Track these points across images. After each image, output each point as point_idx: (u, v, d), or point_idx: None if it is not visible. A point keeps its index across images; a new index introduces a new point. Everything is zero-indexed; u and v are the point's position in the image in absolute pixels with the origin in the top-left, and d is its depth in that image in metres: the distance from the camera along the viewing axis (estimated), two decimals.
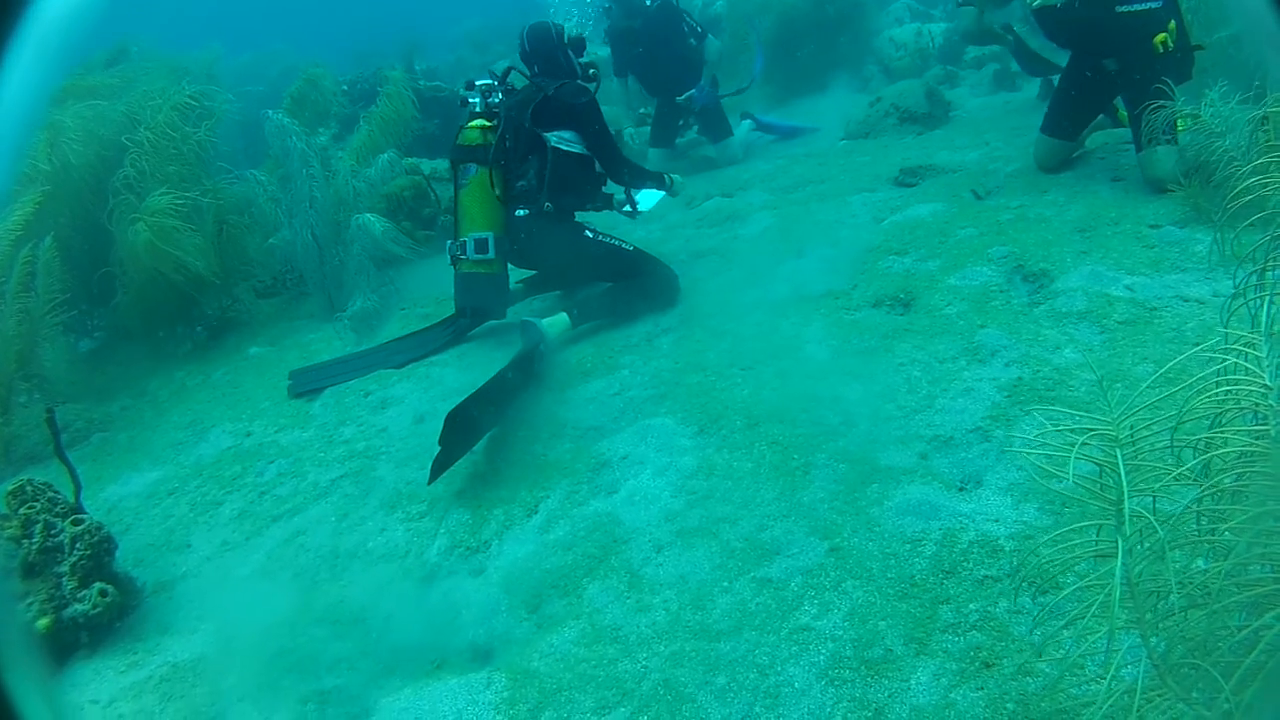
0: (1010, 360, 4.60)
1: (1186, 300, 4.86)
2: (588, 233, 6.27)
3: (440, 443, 4.53)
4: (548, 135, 6.15)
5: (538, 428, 5.04)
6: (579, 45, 6.58)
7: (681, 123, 10.12)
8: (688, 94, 9.67)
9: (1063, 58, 6.99)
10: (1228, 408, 2.11)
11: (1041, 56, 9.17)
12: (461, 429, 4.64)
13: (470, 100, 6.38)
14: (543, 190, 6.10)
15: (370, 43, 19.14)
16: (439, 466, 4.52)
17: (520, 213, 6.16)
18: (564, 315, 5.98)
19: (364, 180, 8.01)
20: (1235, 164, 5.43)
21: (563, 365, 5.72)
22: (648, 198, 6.85)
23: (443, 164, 9.20)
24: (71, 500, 4.60)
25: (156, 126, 7.48)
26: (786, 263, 6.41)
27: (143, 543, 5.02)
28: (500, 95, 6.39)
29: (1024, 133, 8.09)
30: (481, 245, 6.12)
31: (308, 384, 6.38)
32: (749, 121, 10.48)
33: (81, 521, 4.39)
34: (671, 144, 10.12)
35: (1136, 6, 6.23)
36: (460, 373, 6.04)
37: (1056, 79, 7.25)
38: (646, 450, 4.56)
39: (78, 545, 4.33)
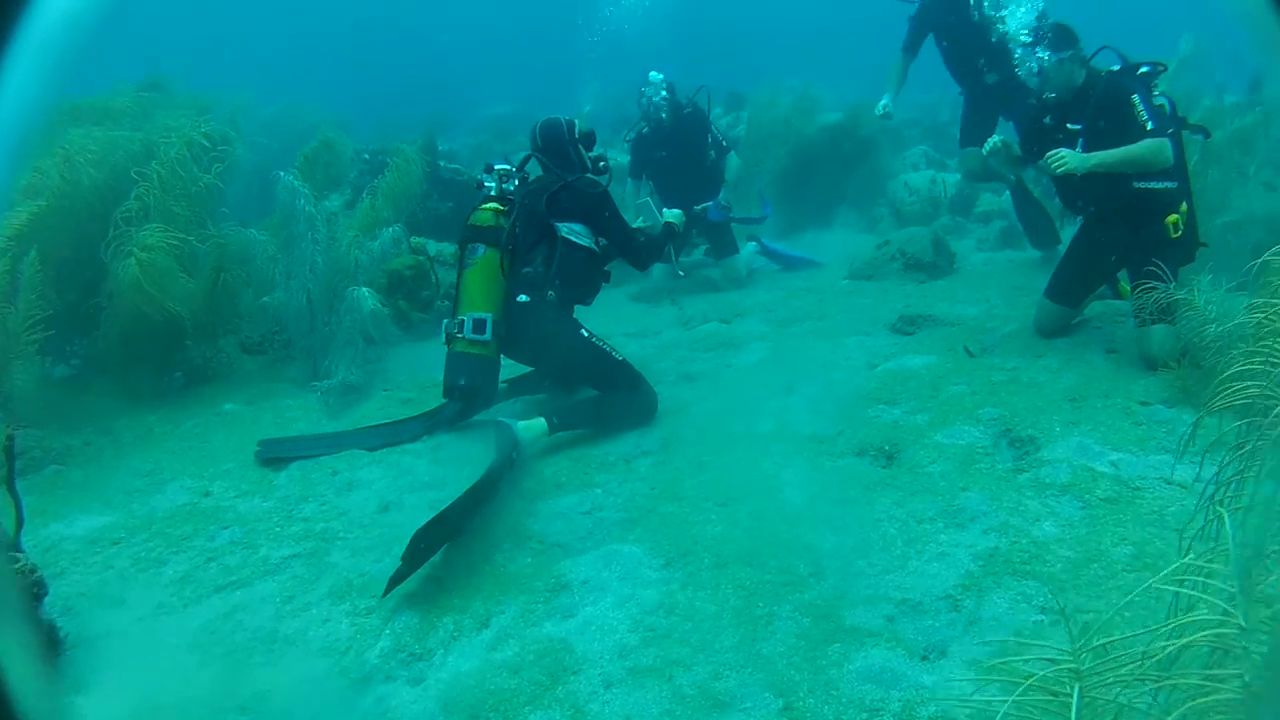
0: (989, 527, 4.52)
1: (1170, 483, 4.79)
2: (584, 331, 6.29)
3: (402, 559, 4.42)
4: (559, 225, 6.25)
5: (501, 537, 4.92)
6: (589, 140, 6.71)
7: (692, 233, 10.14)
8: (704, 205, 9.71)
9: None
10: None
11: (1039, 227, 9.36)
12: (425, 549, 4.52)
13: (486, 184, 6.46)
14: (549, 279, 6.19)
15: (402, 114, 19.36)
16: (395, 580, 4.40)
17: (522, 298, 6.18)
18: (541, 420, 5.91)
19: (366, 253, 8.01)
20: (1224, 351, 5.50)
21: (536, 474, 5.62)
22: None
23: (449, 247, 9.21)
24: (10, 535, 4.44)
25: (167, 162, 7.40)
26: (775, 398, 6.34)
27: (76, 590, 4.82)
28: (516, 182, 6.49)
29: (1025, 293, 8.15)
30: (480, 326, 6.05)
31: (276, 453, 6.26)
32: (754, 244, 10.52)
33: (16, 560, 4.23)
34: (675, 258, 10.16)
35: (1154, 184, 6.35)
36: (433, 465, 5.94)
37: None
38: (610, 577, 4.45)
39: None
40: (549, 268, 6.22)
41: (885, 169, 13.62)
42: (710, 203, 9.74)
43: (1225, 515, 2.24)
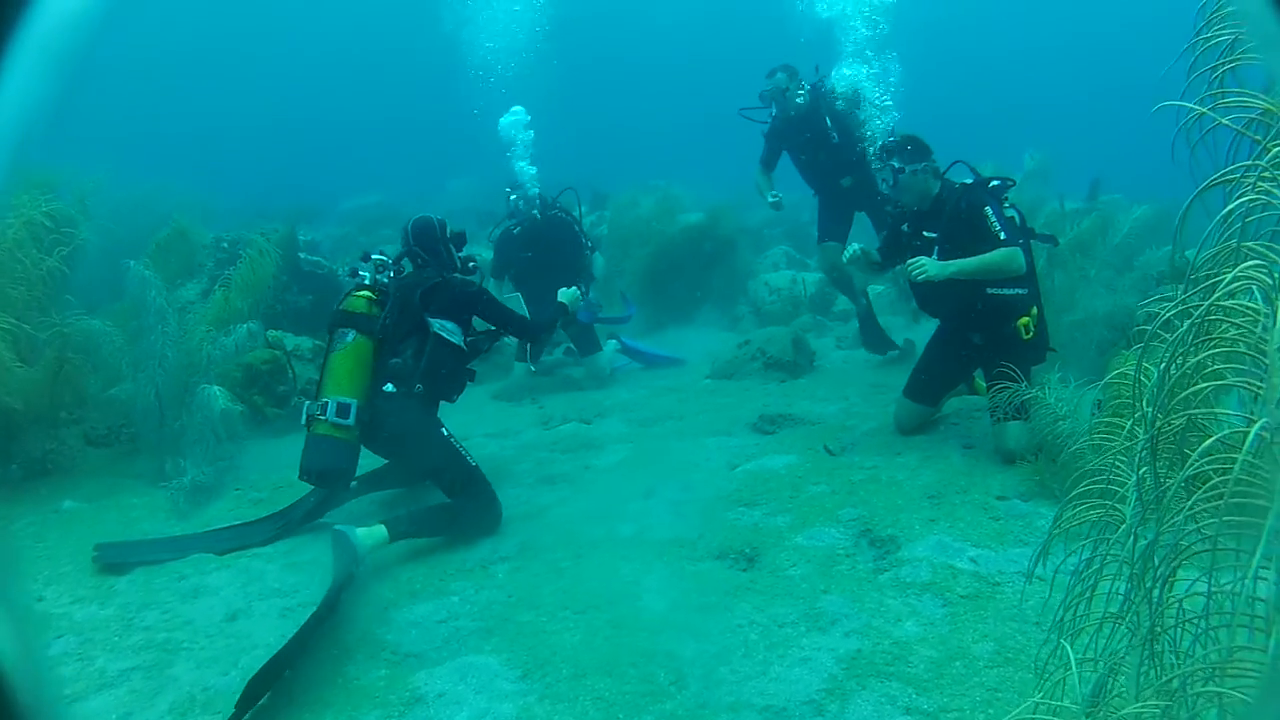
0: (851, 630, 4.48)
1: (1028, 576, 4.82)
2: (444, 430, 6.25)
3: (235, 706, 4.09)
4: (432, 321, 6.28)
5: (354, 646, 4.71)
6: (460, 240, 6.80)
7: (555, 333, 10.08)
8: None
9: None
10: None
11: (879, 337, 9.67)
12: (260, 693, 4.20)
13: (361, 272, 6.45)
14: (417, 372, 6.17)
15: (269, 201, 19.00)
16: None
17: (389, 388, 6.13)
18: (382, 528, 5.67)
19: (220, 348, 7.72)
20: (1076, 445, 5.63)
21: (391, 579, 5.43)
22: None
23: (307, 341, 9.15)
24: None
25: (3, 243, 7.06)
26: (636, 501, 6.27)
27: None
28: (391, 274, 6.49)
29: (883, 390, 8.29)
30: (344, 410, 5.94)
31: (118, 557, 5.92)
32: (615, 343, 10.50)
33: None
34: (537, 360, 10.09)
35: (1006, 290, 6.61)
36: (284, 571, 5.69)
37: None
38: (466, 690, 4.28)
39: None
40: (418, 361, 6.21)
41: (746, 268, 13.81)
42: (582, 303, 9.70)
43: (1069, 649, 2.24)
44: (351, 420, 5.95)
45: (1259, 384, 2.01)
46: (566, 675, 4.30)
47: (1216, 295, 2.03)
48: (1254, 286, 2.03)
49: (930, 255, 6.58)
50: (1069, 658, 2.26)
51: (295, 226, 12.80)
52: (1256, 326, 2.04)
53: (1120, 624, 2.41)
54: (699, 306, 12.86)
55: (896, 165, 6.76)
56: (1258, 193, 2.11)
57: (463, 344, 6.46)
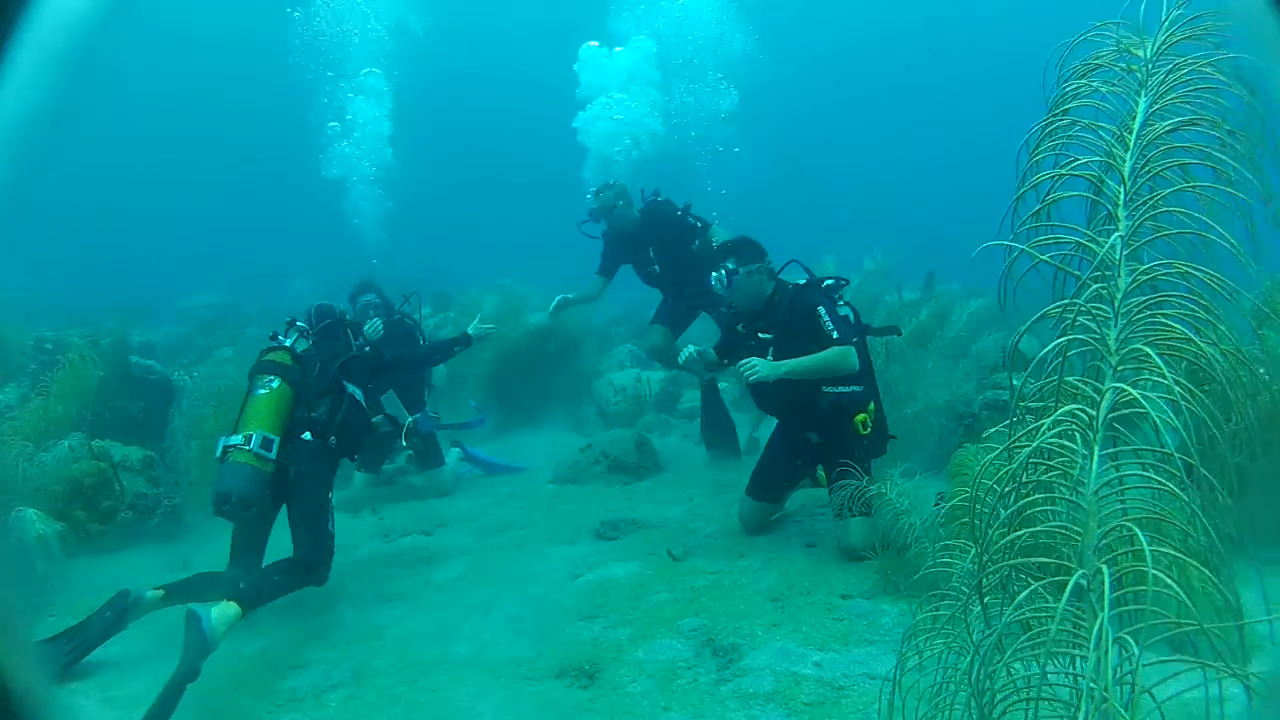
0: None
1: (873, 678, 4.82)
2: (330, 490, 6.64)
3: None
4: (348, 385, 6.90)
5: None
6: (357, 328, 7.57)
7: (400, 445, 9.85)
8: (413, 418, 9.42)
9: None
10: None
11: (719, 431, 9.76)
12: None
13: (280, 336, 6.88)
14: (332, 427, 6.65)
15: (98, 297, 18.25)
16: None
17: (306, 436, 6.53)
18: (233, 605, 5.55)
19: (38, 465, 7.43)
20: (919, 539, 5.68)
21: (217, 715, 5.10)
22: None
23: (135, 453, 8.68)
24: None
25: None
26: (473, 618, 6.06)
27: None
28: (309, 343, 6.98)
29: (727, 490, 8.28)
30: (268, 444, 6.24)
31: None
32: (458, 450, 10.29)
33: None
34: (378, 469, 9.83)
35: (842, 389, 6.71)
36: (101, 708, 5.28)
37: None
38: None
39: None
40: (332, 417, 6.68)
41: (592, 368, 13.74)
42: (419, 414, 9.48)
43: None
44: (273, 455, 6.24)
45: (1078, 530, 1.98)
46: None
47: (1040, 439, 2.00)
48: (1074, 429, 2.02)
49: (765, 355, 6.66)
50: None
51: (127, 327, 12.31)
52: (1074, 468, 2.02)
53: None
54: (545, 408, 12.73)
55: (731, 266, 6.82)
56: (1076, 330, 2.10)
57: (365, 407, 7.04)
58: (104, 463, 8.32)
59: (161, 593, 6.02)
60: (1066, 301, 2.09)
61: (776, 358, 6.64)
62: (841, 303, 6.92)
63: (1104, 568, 1.78)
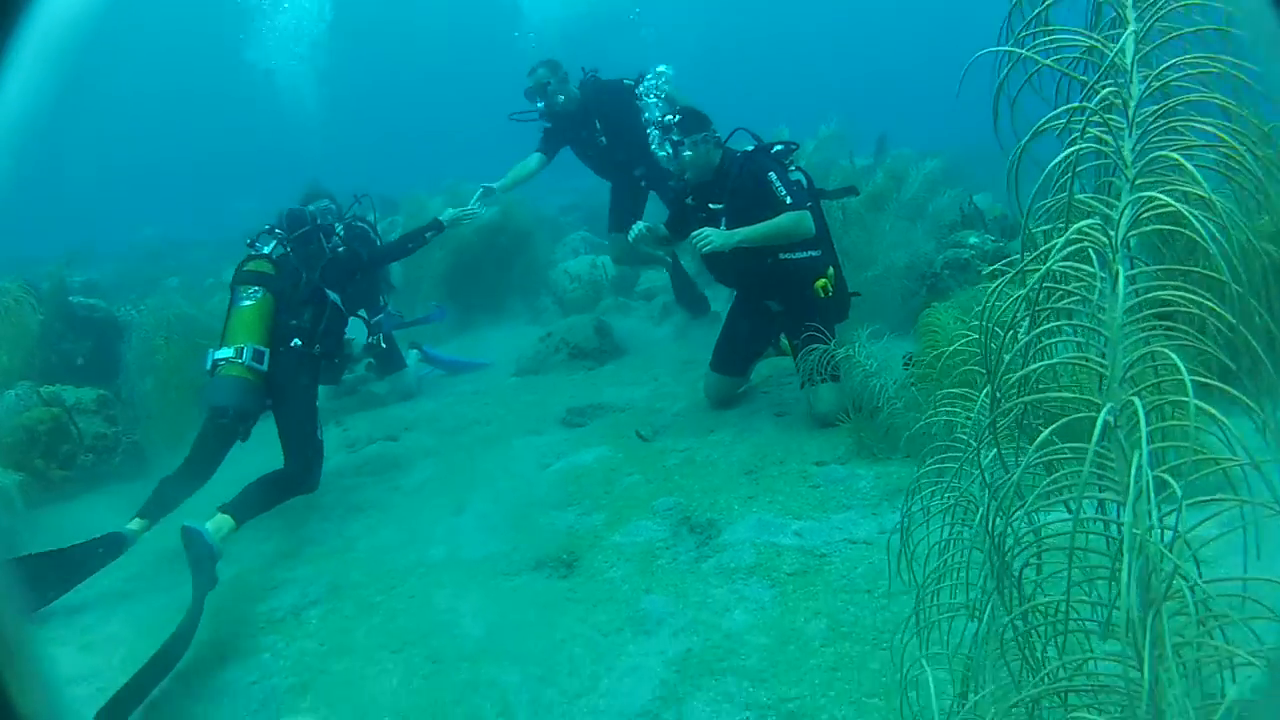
0: (678, 628, 4.32)
1: (854, 542, 4.82)
2: (315, 394, 6.85)
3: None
4: (330, 293, 6.99)
5: None
6: (329, 231, 7.41)
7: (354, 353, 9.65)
8: (375, 319, 9.23)
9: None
10: None
11: (692, 295, 9.64)
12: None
13: (257, 244, 6.95)
14: (316, 334, 6.79)
15: (28, 244, 17.79)
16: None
17: (296, 343, 6.65)
18: (225, 517, 5.73)
19: None
20: (890, 400, 5.61)
21: (194, 646, 4.90)
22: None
23: (89, 393, 8.53)
24: None
25: None
26: (445, 520, 5.98)
27: None
28: (287, 249, 7.01)
29: (692, 367, 8.18)
30: (259, 356, 6.44)
31: None
32: (416, 353, 10.10)
33: None
34: (339, 379, 9.66)
35: (798, 254, 6.59)
36: (80, 654, 5.10)
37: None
38: None
39: None
40: (316, 325, 6.80)
41: (545, 258, 13.55)
42: (380, 315, 9.28)
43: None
44: (265, 366, 6.45)
45: (1100, 360, 1.82)
46: None
47: (1052, 260, 1.82)
48: (1090, 248, 1.84)
49: (718, 225, 6.47)
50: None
51: (66, 267, 11.95)
52: (1093, 293, 1.85)
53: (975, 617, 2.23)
54: (502, 303, 12.56)
55: (675, 138, 6.62)
56: (1086, 139, 1.91)
57: (345, 311, 7.19)
58: (57, 408, 8.11)
59: (143, 521, 6.07)
60: (1075, 105, 1.89)
61: (729, 227, 6.47)
62: (793, 168, 6.78)
63: (1136, 399, 1.64)
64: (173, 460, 7.13)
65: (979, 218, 9.38)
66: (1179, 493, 1.61)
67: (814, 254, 6.62)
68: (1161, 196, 1.71)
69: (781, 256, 6.56)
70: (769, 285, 6.77)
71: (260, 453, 6.45)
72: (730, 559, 4.84)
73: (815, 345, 6.14)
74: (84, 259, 16.16)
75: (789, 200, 6.36)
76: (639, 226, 6.98)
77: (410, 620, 4.84)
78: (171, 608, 5.00)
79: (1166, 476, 1.61)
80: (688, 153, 6.64)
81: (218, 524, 5.65)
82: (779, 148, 6.83)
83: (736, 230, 6.38)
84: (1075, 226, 1.78)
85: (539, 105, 9.34)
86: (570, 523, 5.62)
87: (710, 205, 6.70)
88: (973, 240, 8.51)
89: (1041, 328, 1.84)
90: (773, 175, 6.44)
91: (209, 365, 6.45)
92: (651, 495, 5.78)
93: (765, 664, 3.92)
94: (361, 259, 7.50)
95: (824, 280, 6.62)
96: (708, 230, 6.37)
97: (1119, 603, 1.58)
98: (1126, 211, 1.77)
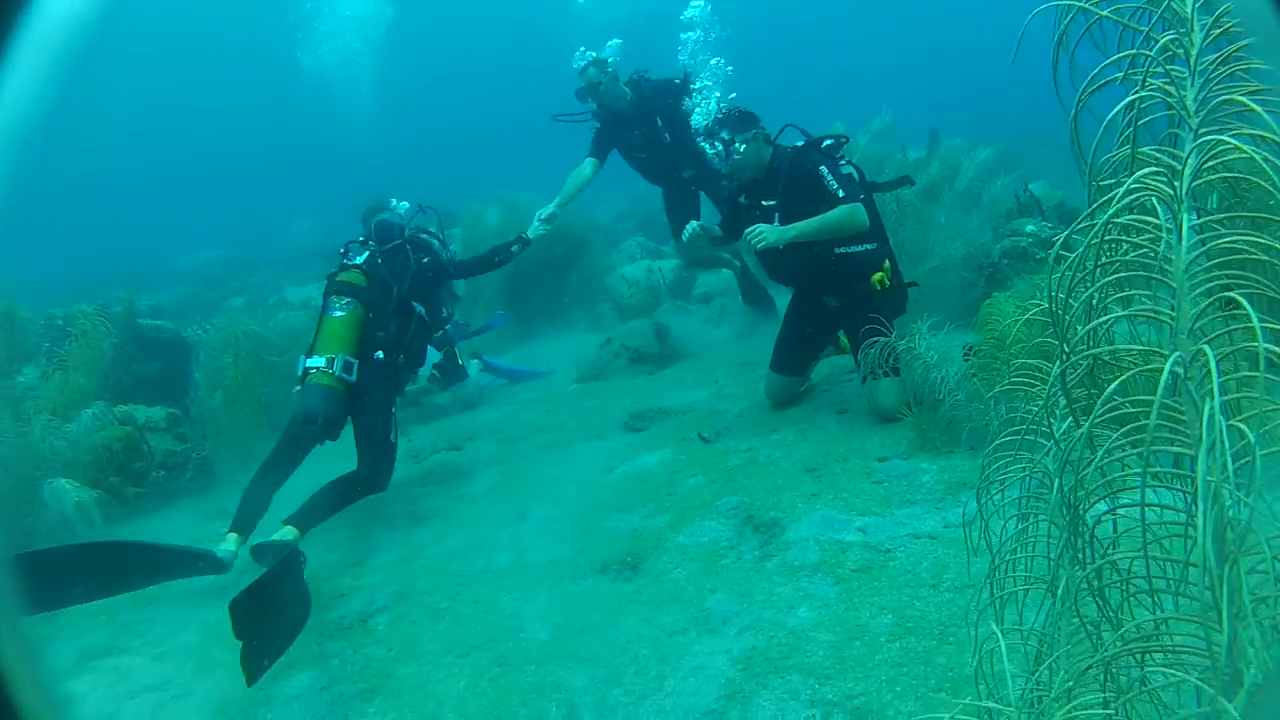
0: (743, 627, 4.30)
1: (918, 537, 4.78)
2: (394, 404, 7.06)
3: (238, 636, 4.49)
4: (416, 305, 7.21)
5: None
6: (417, 244, 7.58)
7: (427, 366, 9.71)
8: (441, 331, 9.27)
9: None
10: None
11: (759, 294, 9.60)
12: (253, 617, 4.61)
13: (351, 253, 7.21)
14: (402, 346, 7.03)
15: (98, 267, 18.15)
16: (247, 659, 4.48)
17: (379, 355, 6.86)
18: (289, 529, 5.99)
19: (64, 437, 7.42)
20: (952, 392, 5.54)
21: None
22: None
23: (159, 412, 8.77)
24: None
25: None
26: (510, 526, 6.02)
27: None
28: (380, 259, 7.21)
29: (752, 368, 8.15)
30: (349, 367, 6.65)
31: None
32: (477, 362, 10.16)
33: None
34: (402, 391, 9.72)
35: (854, 248, 6.53)
36: (153, 663, 5.19)
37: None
38: None
39: None
40: (403, 337, 7.04)
41: (603, 265, 13.58)
42: (448, 325, 9.31)
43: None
44: (354, 377, 6.67)
45: (1168, 312, 1.77)
46: None
47: (1114, 207, 1.77)
48: (1154, 199, 1.78)
49: (771, 223, 6.42)
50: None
51: (135, 292, 12.19)
52: (1159, 244, 1.79)
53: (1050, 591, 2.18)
54: (561, 312, 12.62)
55: (726, 137, 6.61)
56: (1148, 90, 1.86)
57: (429, 320, 7.41)
58: (130, 426, 8.29)
59: (237, 537, 6.19)
60: (1134, 52, 1.83)
61: (782, 223, 6.43)
62: (844, 161, 6.73)
63: (1206, 348, 1.59)
64: (241, 473, 7.25)
65: (1035, 205, 9.27)
66: (1253, 440, 1.56)
67: (869, 247, 6.57)
68: (1229, 140, 1.66)
69: (837, 251, 6.51)
70: (826, 281, 6.71)
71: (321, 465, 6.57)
72: (794, 557, 4.81)
73: (875, 339, 6.09)
74: (149, 282, 16.47)
75: (841, 194, 6.32)
76: (693, 226, 6.96)
77: (476, 625, 4.87)
78: None
79: (1241, 425, 1.56)
80: (740, 149, 6.61)
81: (283, 535, 5.90)
82: (829, 142, 6.76)
83: (791, 226, 6.34)
84: (1137, 174, 1.73)
85: (590, 106, 9.30)
86: (634, 525, 5.63)
87: (763, 203, 6.67)
88: (1030, 228, 8.39)
89: (1107, 279, 1.79)
90: (824, 169, 6.41)
91: (299, 371, 6.67)
92: (715, 496, 5.76)
93: (831, 661, 3.89)
94: (448, 272, 7.67)
95: (880, 274, 6.57)
96: (761, 226, 6.34)
97: (1194, 556, 1.53)
98: (1191, 158, 1.72)
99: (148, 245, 25.17)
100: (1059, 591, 2.09)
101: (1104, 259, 1.84)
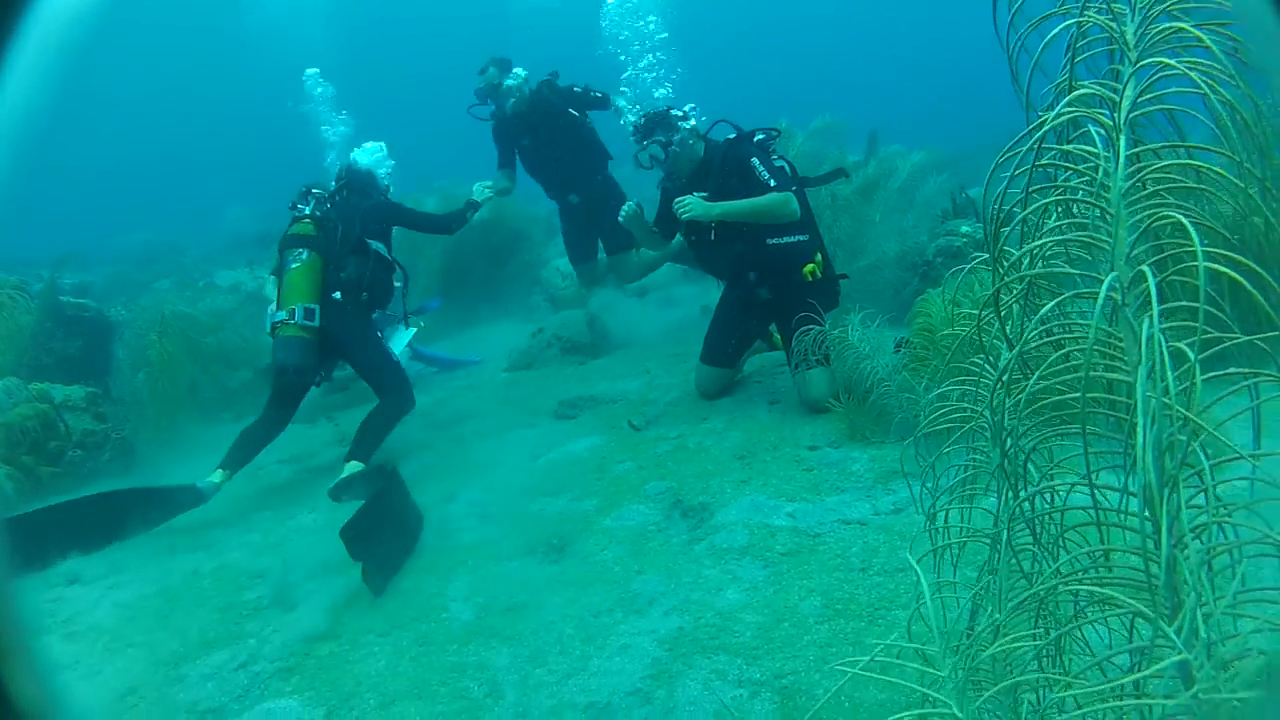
0: (670, 608, 4.28)
1: (848, 523, 4.79)
2: (378, 333, 7.64)
3: (356, 558, 4.92)
4: (370, 242, 7.50)
5: (145, 713, 4.26)
6: (368, 186, 8.01)
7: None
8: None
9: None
10: None
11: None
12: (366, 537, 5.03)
13: (299, 205, 7.47)
14: (362, 284, 7.34)
15: (21, 248, 17.72)
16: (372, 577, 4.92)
17: (337, 296, 7.18)
18: (352, 464, 6.51)
19: None
20: (883, 382, 5.57)
21: (180, 634, 4.91)
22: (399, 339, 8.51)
23: (78, 391, 8.50)
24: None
25: None
26: (436, 509, 5.91)
27: None
28: (328, 205, 7.53)
29: (684, 359, 8.15)
30: (309, 314, 6.98)
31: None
32: (408, 350, 10.03)
33: None
34: (330, 376, 9.59)
35: (787, 239, 6.56)
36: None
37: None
38: None
39: None
40: (361, 275, 7.33)
41: (538, 257, 13.47)
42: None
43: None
44: (316, 322, 6.99)
45: (1105, 238, 1.75)
46: (373, 705, 3.97)
47: (1047, 126, 1.75)
48: (1092, 128, 1.77)
49: None
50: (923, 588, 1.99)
51: (58, 269, 11.93)
52: (1098, 173, 1.77)
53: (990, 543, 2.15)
54: (495, 301, 12.52)
55: (663, 139, 6.65)
56: (1086, 23, 1.85)
57: (390, 258, 7.72)
58: (44, 404, 8.05)
59: (224, 472, 6.69)
60: None
61: None
62: (775, 155, 6.79)
63: (1146, 269, 1.57)
64: (163, 454, 7.10)
65: (971, 207, 9.34)
66: (1194, 358, 1.54)
67: (801, 239, 6.61)
68: (1170, 61, 1.66)
69: (769, 242, 6.54)
70: (757, 272, 6.74)
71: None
72: (723, 540, 4.80)
73: (807, 327, 6.12)
74: (75, 262, 16.15)
75: (773, 184, 6.37)
76: (630, 204, 6.99)
77: (397, 605, 4.80)
78: None
79: (1182, 346, 1.55)
80: (678, 149, 6.69)
81: (350, 469, 6.41)
82: (761, 136, 6.82)
83: (719, 203, 6.40)
84: (1074, 94, 1.72)
85: (490, 106, 9.22)
86: (561, 508, 5.59)
87: (696, 194, 6.65)
88: (965, 229, 8.45)
89: (1045, 201, 1.78)
90: (755, 160, 6.47)
91: (268, 328, 7.07)
92: (643, 481, 5.75)
93: (759, 641, 3.87)
94: (397, 207, 8.03)
95: (812, 265, 6.60)
96: (689, 198, 6.40)
97: (1134, 480, 1.52)
98: (1128, 88, 1.71)
99: (77, 228, 24.72)
100: (994, 524, 2.08)
101: (1040, 186, 1.84)
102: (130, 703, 4.31)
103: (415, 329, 9.14)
